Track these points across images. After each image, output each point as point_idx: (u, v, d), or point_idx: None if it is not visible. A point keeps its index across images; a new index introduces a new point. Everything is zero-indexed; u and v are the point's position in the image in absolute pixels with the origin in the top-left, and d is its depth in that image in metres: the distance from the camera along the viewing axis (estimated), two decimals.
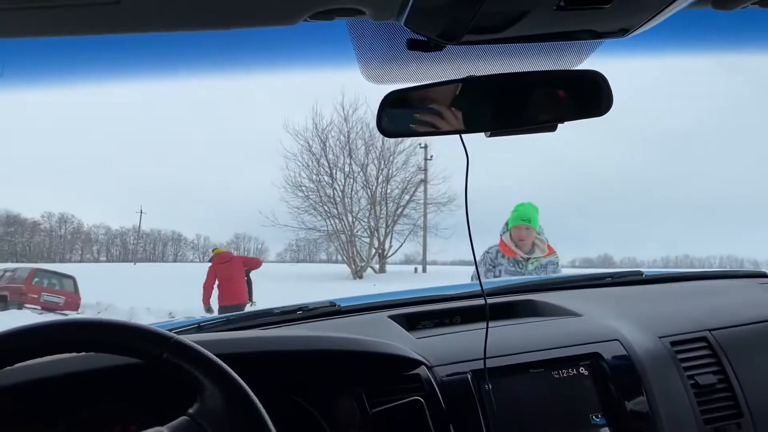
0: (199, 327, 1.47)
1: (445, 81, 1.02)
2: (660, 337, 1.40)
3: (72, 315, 15.26)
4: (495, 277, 3.85)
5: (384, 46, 0.96)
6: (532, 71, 1.03)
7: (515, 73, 1.02)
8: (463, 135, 1.07)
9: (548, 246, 3.82)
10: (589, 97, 1.02)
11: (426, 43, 0.87)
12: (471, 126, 1.05)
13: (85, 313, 15.69)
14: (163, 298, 14.60)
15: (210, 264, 9.07)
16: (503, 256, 3.84)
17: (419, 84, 1.03)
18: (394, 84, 1.05)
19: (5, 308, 15.61)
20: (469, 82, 1.01)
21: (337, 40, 1.00)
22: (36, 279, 17.29)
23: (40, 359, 0.80)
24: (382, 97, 1.02)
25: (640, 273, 1.96)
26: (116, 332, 0.78)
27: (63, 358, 0.99)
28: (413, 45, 0.88)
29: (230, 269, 8.82)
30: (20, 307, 15.58)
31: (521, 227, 3.78)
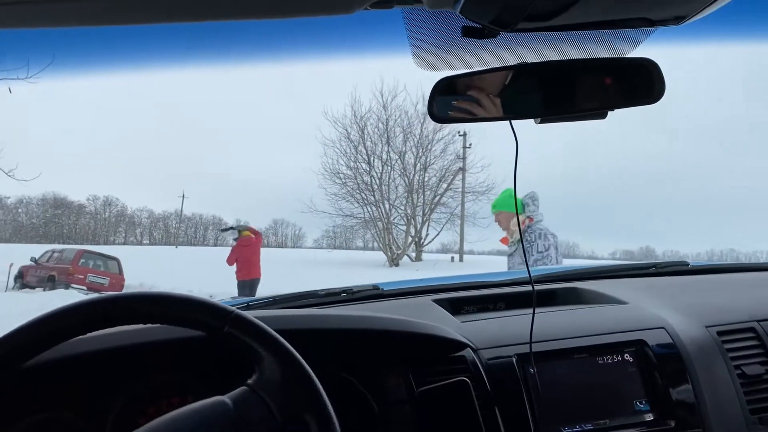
0: (248, 306, 1.52)
1: (497, 68, 1.02)
2: (707, 327, 1.39)
3: None
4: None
5: (438, 33, 0.96)
6: (583, 59, 1.03)
7: (567, 60, 1.02)
8: (512, 121, 1.08)
9: (522, 224, 3.83)
10: (641, 84, 1.02)
11: (480, 30, 0.88)
12: (521, 113, 1.06)
13: None
14: (203, 280, 14.85)
15: (234, 244, 9.90)
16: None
17: (470, 71, 1.04)
18: (446, 71, 1.06)
19: (53, 288, 16.16)
20: (520, 68, 1.02)
21: (382, 27, 1.01)
22: (82, 260, 17.81)
23: (104, 330, 0.83)
24: (434, 83, 1.04)
25: (685, 263, 1.94)
26: (181, 306, 0.82)
27: (126, 330, 1.04)
28: (468, 32, 0.89)
29: (250, 251, 9.74)
30: (67, 286, 16.09)
31: (494, 216, 3.94)
